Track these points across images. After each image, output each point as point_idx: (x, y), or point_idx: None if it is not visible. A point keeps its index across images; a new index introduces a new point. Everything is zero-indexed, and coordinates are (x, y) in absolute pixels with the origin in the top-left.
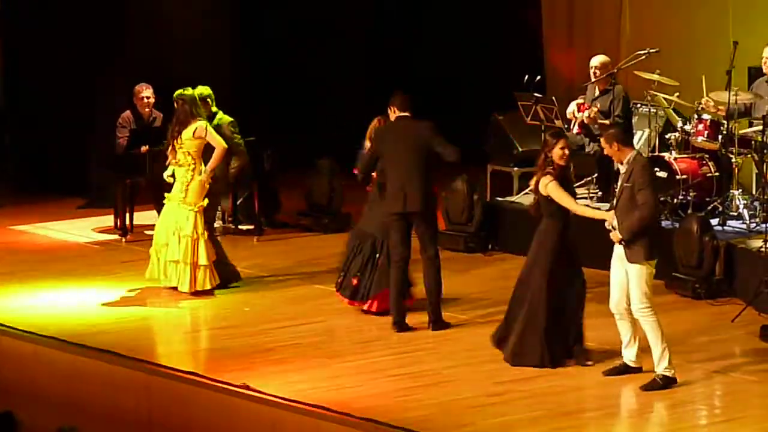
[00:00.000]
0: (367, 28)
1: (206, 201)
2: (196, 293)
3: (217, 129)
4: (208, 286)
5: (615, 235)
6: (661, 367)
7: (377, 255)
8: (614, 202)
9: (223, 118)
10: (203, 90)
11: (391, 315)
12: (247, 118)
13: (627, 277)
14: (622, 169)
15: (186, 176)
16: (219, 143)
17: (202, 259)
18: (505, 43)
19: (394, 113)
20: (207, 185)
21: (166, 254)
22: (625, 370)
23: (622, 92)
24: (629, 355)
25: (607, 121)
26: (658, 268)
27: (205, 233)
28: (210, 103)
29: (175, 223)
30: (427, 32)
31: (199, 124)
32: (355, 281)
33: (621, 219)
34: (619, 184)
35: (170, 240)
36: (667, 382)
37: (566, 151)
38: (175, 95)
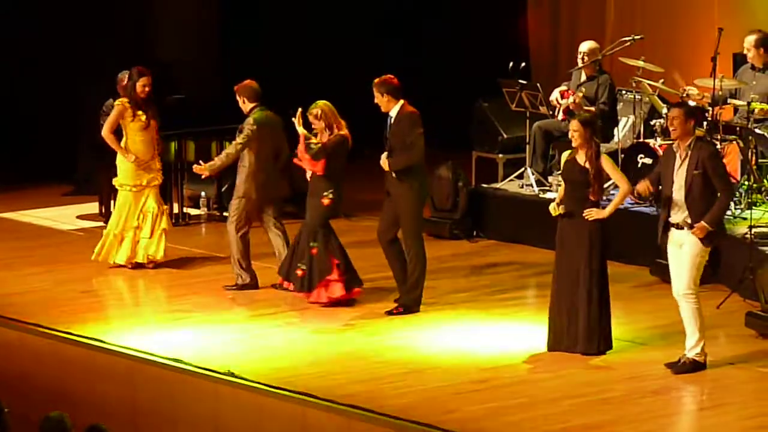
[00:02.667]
0: (360, 16)
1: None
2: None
3: None
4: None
5: (702, 227)
6: (693, 352)
7: (312, 243)
8: (675, 188)
9: None
10: None
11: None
12: (231, 103)
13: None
14: (681, 153)
15: None
16: None
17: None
18: (489, 30)
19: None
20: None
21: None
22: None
23: (609, 79)
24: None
25: (592, 108)
26: (644, 254)
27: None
28: None
29: None
30: (408, 20)
31: None
32: (299, 272)
33: (694, 206)
34: (677, 168)
35: None
36: (696, 367)
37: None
38: None
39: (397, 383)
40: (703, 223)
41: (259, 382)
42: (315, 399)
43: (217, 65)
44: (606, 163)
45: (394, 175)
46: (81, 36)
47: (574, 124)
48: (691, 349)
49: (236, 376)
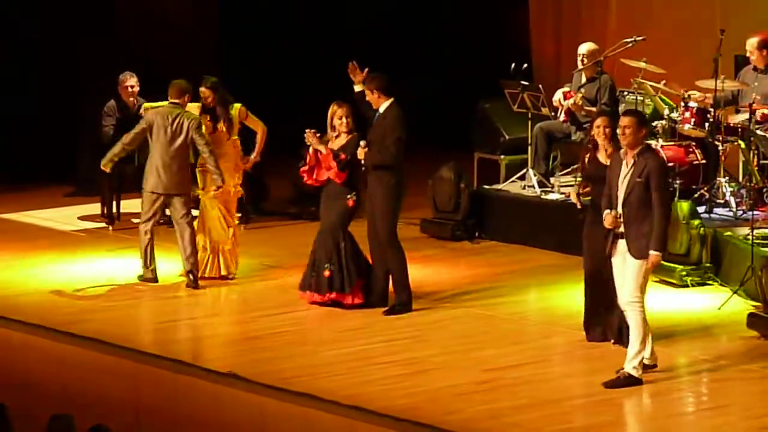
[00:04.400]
0: (363, 16)
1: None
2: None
3: None
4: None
5: (653, 259)
6: (630, 365)
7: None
8: (620, 195)
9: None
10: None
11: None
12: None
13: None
14: (628, 161)
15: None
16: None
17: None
18: (492, 31)
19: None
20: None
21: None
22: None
23: (609, 80)
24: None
25: (593, 109)
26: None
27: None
28: None
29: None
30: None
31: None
32: (327, 273)
33: (632, 215)
34: (623, 176)
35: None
36: (630, 382)
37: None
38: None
39: (399, 384)
40: (652, 253)
41: (261, 383)
42: (318, 400)
43: (212, 69)
44: None
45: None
46: (81, 36)
47: (602, 120)
48: (629, 362)
49: (239, 377)
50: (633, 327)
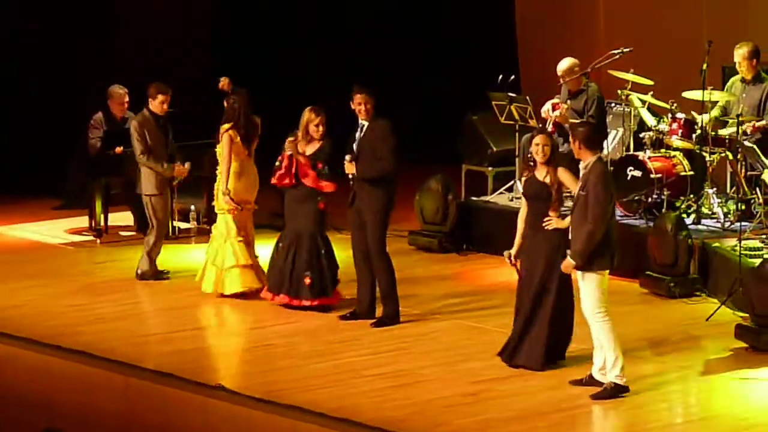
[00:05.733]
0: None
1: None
2: (221, 296)
3: None
4: (234, 290)
5: (566, 265)
6: (612, 375)
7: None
8: (572, 206)
9: None
10: None
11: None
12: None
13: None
14: (581, 172)
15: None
16: None
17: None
18: (479, 42)
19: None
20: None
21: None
22: (591, 381)
23: (597, 92)
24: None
25: (579, 121)
26: (633, 267)
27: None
28: None
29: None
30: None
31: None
32: (307, 280)
33: (574, 228)
34: (576, 188)
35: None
36: (617, 391)
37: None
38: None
39: (387, 396)
40: (567, 259)
41: (250, 396)
42: (306, 412)
43: (208, 79)
44: (563, 175)
45: (361, 183)
46: (76, 51)
47: (541, 138)
48: (611, 371)
49: (227, 390)
50: (601, 338)
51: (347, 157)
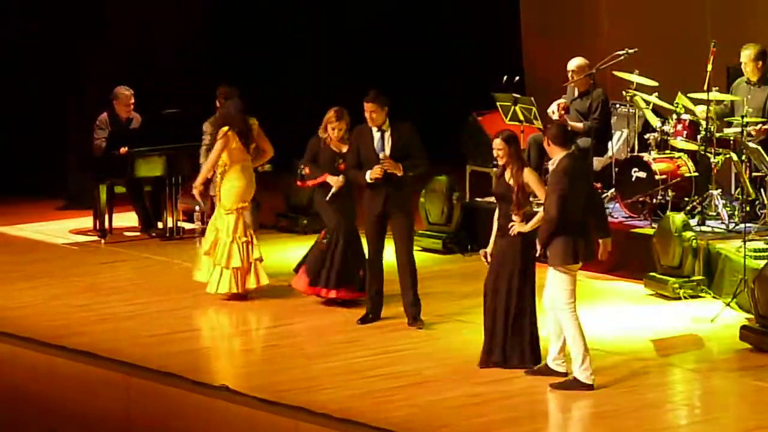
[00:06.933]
0: (363, 16)
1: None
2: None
3: None
4: (233, 290)
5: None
6: (576, 369)
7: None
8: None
9: None
10: None
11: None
12: None
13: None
14: (550, 169)
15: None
16: None
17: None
18: (479, 42)
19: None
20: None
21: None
22: (547, 371)
23: (602, 95)
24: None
25: (579, 125)
26: (638, 268)
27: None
28: None
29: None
30: (405, 32)
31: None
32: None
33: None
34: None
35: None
36: (578, 386)
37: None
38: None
39: (391, 397)
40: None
41: (254, 396)
42: (310, 413)
43: (210, 79)
44: (529, 177)
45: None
46: (74, 49)
47: (497, 143)
48: (574, 365)
49: (231, 390)
50: (570, 331)
51: (382, 158)
